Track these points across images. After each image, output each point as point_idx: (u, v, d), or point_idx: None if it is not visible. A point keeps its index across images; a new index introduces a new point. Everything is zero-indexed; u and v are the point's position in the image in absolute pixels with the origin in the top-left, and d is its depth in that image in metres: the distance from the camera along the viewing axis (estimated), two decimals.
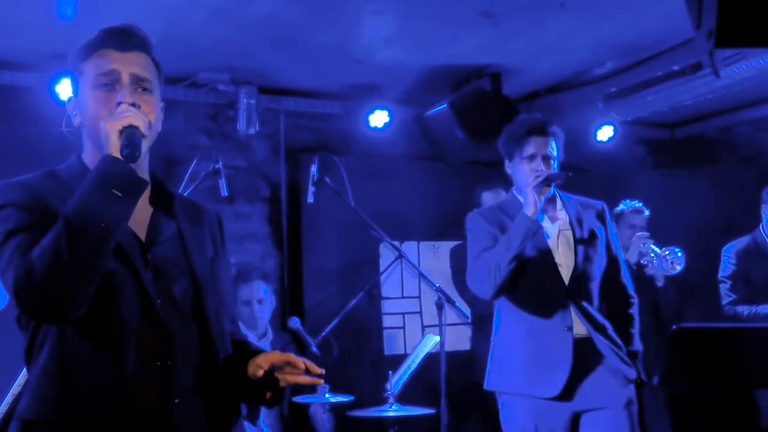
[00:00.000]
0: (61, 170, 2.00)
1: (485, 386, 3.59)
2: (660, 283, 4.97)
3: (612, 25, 4.55)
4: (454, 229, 6.12)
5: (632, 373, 3.41)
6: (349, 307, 4.89)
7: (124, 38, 1.98)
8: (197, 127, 5.68)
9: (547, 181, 3.41)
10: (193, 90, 5.45)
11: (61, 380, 1.82)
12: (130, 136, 1.81)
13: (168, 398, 1.87)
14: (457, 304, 4.36)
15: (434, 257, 6.14)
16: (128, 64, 1.95)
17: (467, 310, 5.26)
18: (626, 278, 3.64)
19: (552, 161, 3.48)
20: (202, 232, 2.11)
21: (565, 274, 3.44)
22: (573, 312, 3.39)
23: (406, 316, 6.07)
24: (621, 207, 5.21)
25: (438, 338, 4.43)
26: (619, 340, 3.44)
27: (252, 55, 4.98)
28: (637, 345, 3.53)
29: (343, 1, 4.13)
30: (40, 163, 2.04)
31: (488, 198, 5.41)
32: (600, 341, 3.38)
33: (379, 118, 5.74)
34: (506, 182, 5.19)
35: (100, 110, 1.91)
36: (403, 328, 6.04)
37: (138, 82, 1.95)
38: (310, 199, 4.71)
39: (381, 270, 5.74)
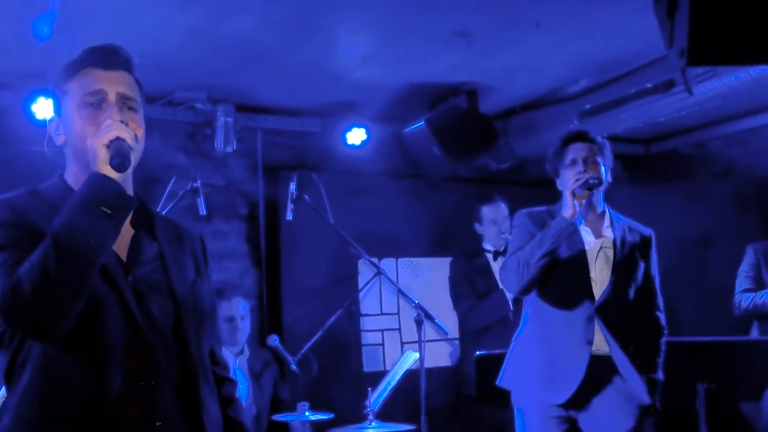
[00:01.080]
0: (44, 189, 1.99)
1: (497, 382, 3.64)
2: None
3: (586, 43, 4.59)
4: (432, 246, 6.16)
5: (647, 399, 3.42)
6: (328, 324, 4.87)
7: (108, 57, 1.97)
8: (175, 146, 5.67)
9: (586, 185, 3.43)
10: (170, 108, 5.45)
11: (44, 399, 1.81)
12: (119, 147, 1.80)
13: (151, 419, 1.86)
14: (437, 320, 4.35)
15: (413, 274, 6.15)
16: (114, 83, 1.95)
17: (446, 327, 5.27)
18: (660, 309, 3.64)
19: (597, 166, 3.50)
20: (183, 252, 2.10)
21: (597, 289, 3.45)
22: (598, 327, 3.41)
23: (385, 332, 6.06)
24: None
25: (417, 354, 4.43)
26: (640, 365, 3.44)
27: (229, 74, 4.99)
28: (659, 375, 3.53)
29: (319, 20, 4.15)
30: (15, 183, 2.03)
31: (488, 212, 5.45)
32: (621, 361, 3.40)
33: (356, 136, 5.76)
34: (505, 194, 5.25)
35: (88, 129, 1.90)
36: (383, 344, 6.04)
37: (124, 101, 1.95)
38: (289, 216, 4.70)
39: (360, 287, 5.74)
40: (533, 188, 6.19)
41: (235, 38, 4.33)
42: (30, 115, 4.66)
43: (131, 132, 1.85)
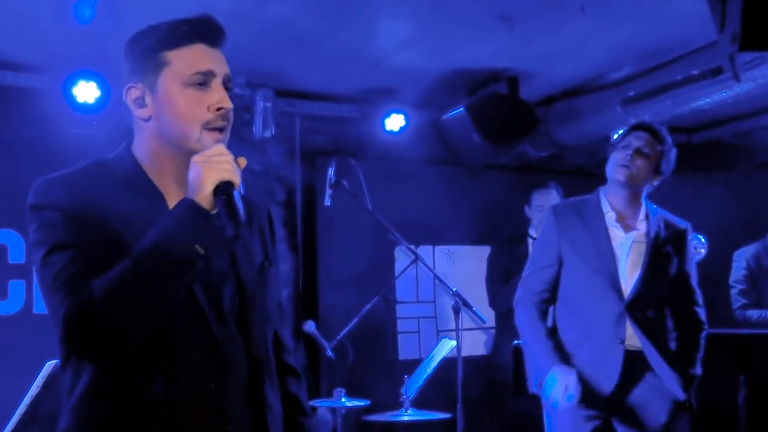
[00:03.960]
0: (109, 162, 1.85)
1: (530, 389, 3.57)
2: None
3: (631, 28, 4.51)
4: (470, 234, 6.12)
5: (681, 395, 3.37)
6: (364, 311, 4.85)
7: (213, 33, 1.84)
8: None
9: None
10: None
11: (106, 401, 1.70)
12: (233, 203, 1.66)
13: (221, 422, 1.76)
14: (474, 309, 4.31)
15: (449, 262, 6.11)
16: (221, 64, 1.83)
17: (484, 315, 5.24)
18: (699, 304, 3.57)
19: (646, 159, 3.46)
20: (252, 232, 1.96)
21: (628, 286, 3.40)
22: (629, 324, 3.35)
23: (421, 320, 6.04)
24: None
25: (454, 342, 4.40)
26: (676, 360, 3.39)
27: (268, 58, 4.97)
28: (698, 370, 3.46)
29: (359, 3, 4.12)
30: (57, 165, 1.89)
31: (537, 198, 5.40)
32: (654, 358, 3.35)
33: (395, 122, 5.72)
34: (558, 180, 5.20)
35: (194, 111, 1.77)
36: (418, 332, 6.02)
37: (227, 83, 1.83)
38: (328, 201, 4.68)
39: (396, 274, 5.72)
40: (572, 176, 6.14)
41: (275, 22, 4.31)
42: (71, 99, 4.69)
43: (238, 170, 1.71)
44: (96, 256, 1.64)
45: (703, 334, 3.53)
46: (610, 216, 3.51)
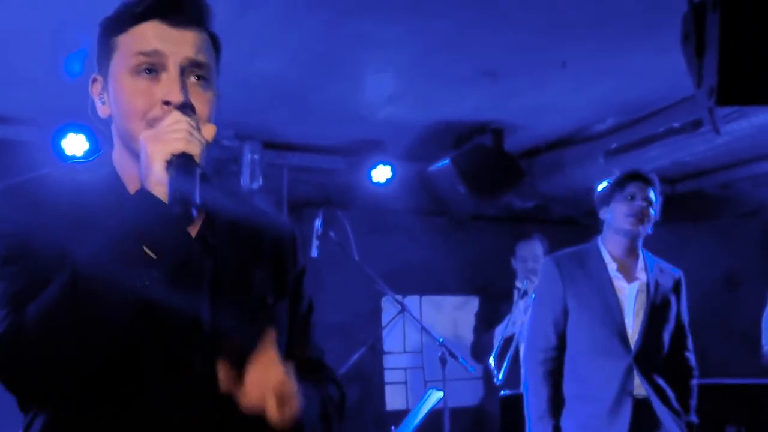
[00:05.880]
0: (88, 168, 1.54)
1: None
2: None
3: (612, 82, 4.59)
4: (457, 283, 6.14)
5: None
6: (351, 361, 4.84)
7: (176, 7, 1.44)
8: None
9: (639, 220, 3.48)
10: None
11: None
12: (186, 177, 1.29)
13: None
14: (461, 359, 4.32)
15: (437, 312, 6.12)
16: (180, 44, 1.42)
17: (472, 365, 5.23)
18: (690, 350, 3.60)
19: (651, 207, 3.50)
20: (255, 263, 1.55)
21: (634, 337, 3.40)
22: (636, 376, 3.35)
23: (408, 370, 6.03)
24: None
25: (441, 393, 4.39)
26: (678, 408, 3.41)
27: (256, 111, 5.02)
28: (693, 417, 3.49)
29: (346, 59, 4.18)
30: None
31: (520, 249, 5.42)
32: (659, 407, 3.35)
33: (382, 173, 5.77)
34: (542, 232, 5.22)
35: (137, 105, 1.41)
36: (406, 383, 6.00)
37: (192, 68, 1.43)
38: (314, 252, 4.71)
39: (383, 324, 5.72)
40: (559, 226, 6.18)
41: (263, 76, 4.37)
42: (59, 151, 4.72)
43: (202, 139, 1.35)
44: (46, 272, 1.32)
45: (695, 380, 3.55)
46: (612, 267, 3.51)
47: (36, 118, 4.82)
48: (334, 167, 6.00)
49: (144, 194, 1.30)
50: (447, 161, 5.51)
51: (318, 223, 4.71)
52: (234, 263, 1.50)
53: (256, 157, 5.44)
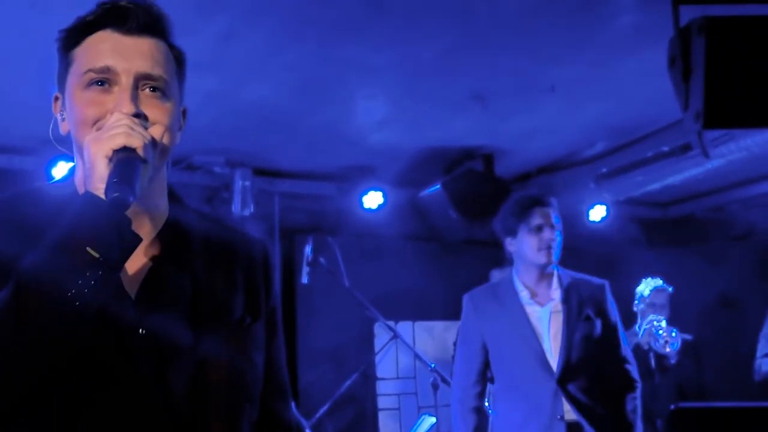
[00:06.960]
0: (56, 188, 1.50)
1: None
2: (673, 361, 4.86)
3: (602, 107, 4.62)
4: (449, 309, 6.12)
5: None
6: (343, 388, 4.83)
7: (127, 17, 1.37)
8: None
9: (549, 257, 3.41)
10: (188, 172, 5.49)
11: None
12: (123, 166, 1.23)
13: None
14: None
15: (429, 337, 6.10)
16: (133, 57, 1.36)
17: None
18: (629, 361, 3.51)
19: (558, 231, 3.44)
20: (230, 283, 1.48)
21: (555, 359, 3.34)
22: (564, 399, 3.29)
23: (401, 396, 6.00)
24: (642, 287, 5.15)
25: (434, 419, 4.37)
26: (613, 427, 3.34)
27: (247, 138, 5.04)
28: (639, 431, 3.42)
29: (336, 85, 4.20)
30: None
31: (495, 276, 5.43)
32: (589, 429, 3.27)
33: (373, 199, 5.77)
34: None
35: (89, 114, 1.35)
36: (399, 409, 5.97)
37: (146, 81, 1.37)
38: (305, 279, 4.70)
39: (376, 350, 5.70)
40: None
41: (253, 103, 4.38)
42: (52, 180, 4.71)
43: (146, 135, 1.29)
44: None
45: (638, 392, 3.47)
46: (524, 295, 3.47)
47: (30, 147, 4.83)
48: (326, 193, 6.01)
49: (85, 194, 1.24)
50: (438, 186, 5.52)
51: (308, 249, 4.71)
52: (208, 282, 1.43)
53: (247, 183, 5.44)
